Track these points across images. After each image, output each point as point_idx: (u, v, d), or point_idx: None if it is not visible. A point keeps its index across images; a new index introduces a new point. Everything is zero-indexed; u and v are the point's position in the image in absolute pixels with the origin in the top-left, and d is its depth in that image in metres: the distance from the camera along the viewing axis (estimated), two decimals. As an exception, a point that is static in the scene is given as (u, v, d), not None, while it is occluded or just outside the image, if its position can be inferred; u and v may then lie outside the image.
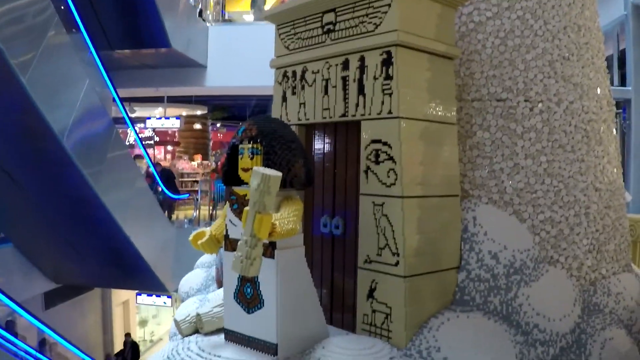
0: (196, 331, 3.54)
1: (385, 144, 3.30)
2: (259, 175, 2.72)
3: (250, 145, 3.11)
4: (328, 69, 3.64)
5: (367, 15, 3.42)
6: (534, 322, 3.39)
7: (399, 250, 3.22)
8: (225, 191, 3.36)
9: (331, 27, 3.64)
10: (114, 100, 13.03)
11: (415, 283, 3.26)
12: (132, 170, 13.19)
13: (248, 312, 3.14)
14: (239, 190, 3.21)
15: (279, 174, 2.78)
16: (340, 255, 3.61)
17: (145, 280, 14.41)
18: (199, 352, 3.17)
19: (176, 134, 27.40)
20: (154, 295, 18.68)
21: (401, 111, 3.26)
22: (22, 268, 12.68)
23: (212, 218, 17.75)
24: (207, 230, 3.34)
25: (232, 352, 3.15)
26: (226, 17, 19.50)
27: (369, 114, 3.38)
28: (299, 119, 3.85)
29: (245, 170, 3.12)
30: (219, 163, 7.38)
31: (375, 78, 3.36)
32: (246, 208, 2.81)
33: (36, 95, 8.83)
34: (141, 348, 20.79)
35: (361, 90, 3.43)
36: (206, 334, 3.47)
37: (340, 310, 3.60)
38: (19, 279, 12.59)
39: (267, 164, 3.04)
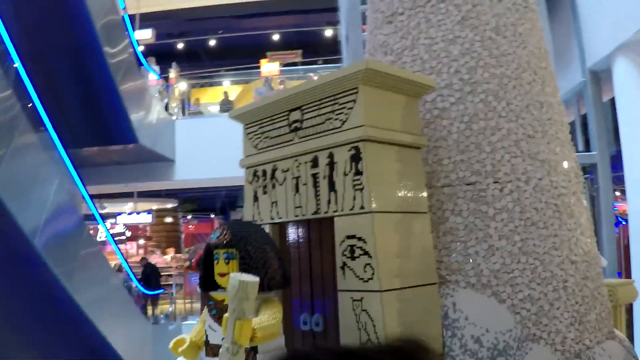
0: None
1: (359, 239, 3.34)
2: (236, 282, 2.74)
3: (225, 250, 3.13)
4: (298, 166, 3.71)
5: (333, 112, 3.52)
6: (525, 406, 3.37)
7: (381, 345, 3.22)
8: (202, 296, 3.35)
9: (298, 124, 3.74)
10: (83, 197, 13.03)
11: (401, 378, 3.24)
12: (104, 268, 13.06)
13: None
14: (216, 295, 3.22)
15: (256, 279, 2.80)
16: (324, 352, 3.58)
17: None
18: None
19: (147, 228, 27.33)
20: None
21: (373, 206, 3.32)
22: (-4, 374, 12.32)
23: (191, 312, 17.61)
24: (187, 337, 3.32)
25: None
26: (191, 110, 19.79)
27: (342, 210, 3.44)
28: (272, 218, 3.89)
29: (222, 275, 3.14)
30: (192, 260, 7.38)
31: (345, 174, 3.43)
32: (225, 315, 2.81)
33: (6, 196, 8.81)
34: None
35: (332, 187, 3.50)
36: None
37: (327, 410, 3.54)
38: (-7, 387, 12.21)
39: (243, 268, 3.06)
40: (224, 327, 2.79)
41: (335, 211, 3.48)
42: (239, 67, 22.48)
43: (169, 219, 27.79)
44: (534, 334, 3.76)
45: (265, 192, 3.97)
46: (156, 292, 16.02)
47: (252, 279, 2.78)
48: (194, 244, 29.51)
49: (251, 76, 22.09)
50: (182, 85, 19.41)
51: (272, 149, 3.91)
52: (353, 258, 3.37)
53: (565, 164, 4.30)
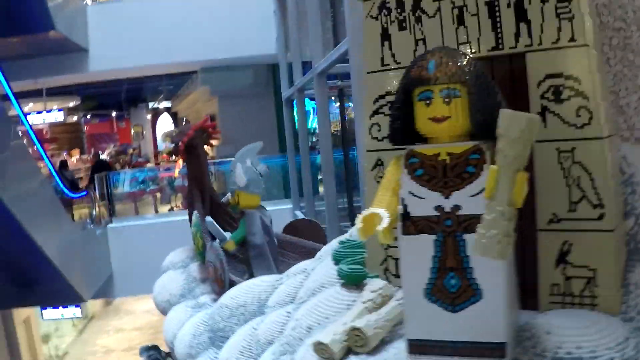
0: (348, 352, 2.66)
1: (569, 77, 2.64)
2: (522, 120, 1.98)
3: (445, 86, 2.32)
4: (462, -8, 2.90)
5: None
6: None
7: (602, 200, 2.59)
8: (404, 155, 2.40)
9: (461, -61, 2.89)
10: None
11: (617, 236, 2.68)
12: (30, 164, 11.56)
13: (453, 311, 2.36)
14: (424, 149, 2.39)
15: (537, 116, 2.07)
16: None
17: (54, 291, 12.79)
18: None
19: (45, 131, 24.90)
20: (60, 308, 16.96)
21: (587, 38, 2.63)
22: None
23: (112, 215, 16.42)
24: (381, 211, 2.35)
25: None
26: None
27: (539, 44, 2.71)
28: None
29: (439, 120, 2.32)
30: (180, 143, 6.24)
31: (543, 1, 2.69)
32: (493, 167, 2.07)
33: None
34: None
35: (522, 17, 2.74)
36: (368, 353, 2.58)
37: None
38: None
39: (476, 110, 2.30)
40: (492, 185, 2.05)
41: (528, 45, 2.74)
42: None
43: (71, 119, 25.47)
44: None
45: (403, 28, 3.11)
46: (79, 194, 14.66)
47: (531, 115, 2.06)
48: (94, 145, 27.55)
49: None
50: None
51: (415, -28, 3.03)
52: (559, 101, 2.68)
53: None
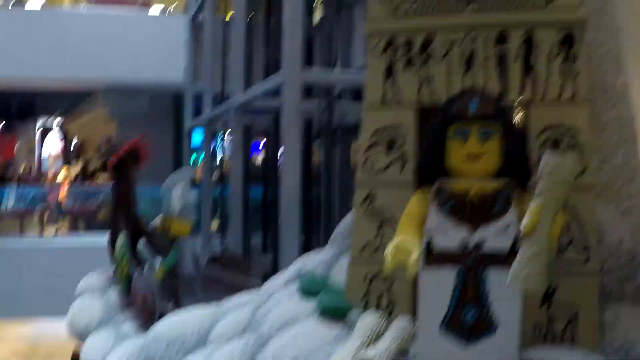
0: None
1: (568, 130, 2.88)
2: (569, 163, 2.16)
3: (484, 124, 2.41)
4: (472, 40, 3.07)
5: (534, -15, 2.97)
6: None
7: (590, 244, 2.80)
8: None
9: (476, -6, 3.09)
10: None
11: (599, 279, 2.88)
12: None
13: (467, 344, 2.40)
14: (455, 185, 2.47)
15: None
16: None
17: None
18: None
19: None
20: None
21: (585, 95, 2.90)
22: None
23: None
24: (411, 241, 2.41)
25: None
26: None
27: (541, 98, 2.94)
28: (421, 99, 3.17)
29: (474, 157, 2.43)
30: (110, 161, 5.80)
31: (550, 59, 2.93)
32: (537, 205, 2.19)
33: None
34: None
35: (528, 70, 2.96)
36: None
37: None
38: None
39: (512, 150, 2.44)
40: (534, 221, 2.17)
41: (531, 98, 2.96)
42: None
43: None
44: None
45: (408, 67, 3.25)
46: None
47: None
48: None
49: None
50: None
51: (427, 16, 3.17)
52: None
53: None
